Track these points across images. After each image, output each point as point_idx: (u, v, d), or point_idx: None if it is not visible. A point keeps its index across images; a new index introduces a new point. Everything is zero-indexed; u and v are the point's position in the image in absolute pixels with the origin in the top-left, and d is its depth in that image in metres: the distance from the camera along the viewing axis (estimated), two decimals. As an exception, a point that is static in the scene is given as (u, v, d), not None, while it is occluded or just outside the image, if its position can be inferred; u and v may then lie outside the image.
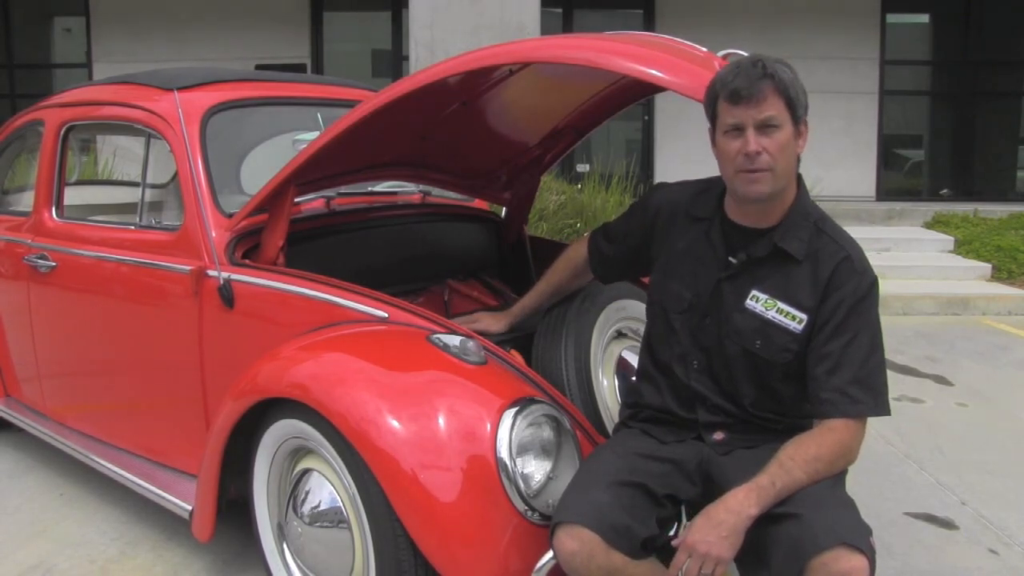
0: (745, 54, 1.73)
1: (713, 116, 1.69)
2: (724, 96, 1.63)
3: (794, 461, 1.60)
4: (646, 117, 10.51)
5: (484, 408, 1.80)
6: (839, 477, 1.69)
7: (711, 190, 1.85)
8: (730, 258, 1.77)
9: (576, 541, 1.58)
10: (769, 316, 1.72)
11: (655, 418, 1.87)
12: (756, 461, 1.65)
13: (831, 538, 1.47)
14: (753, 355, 1.74)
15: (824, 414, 1.67)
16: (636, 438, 1.85)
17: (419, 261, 2.83)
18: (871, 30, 10.47)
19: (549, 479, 1.82)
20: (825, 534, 1.48)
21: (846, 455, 1.66)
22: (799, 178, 1.77)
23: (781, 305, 1.71)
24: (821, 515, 1.52)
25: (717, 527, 1.55)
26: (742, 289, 1.75)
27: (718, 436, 1.80)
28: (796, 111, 1.65)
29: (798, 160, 1.73)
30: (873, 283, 1.71)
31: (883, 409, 1.68)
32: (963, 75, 10.99)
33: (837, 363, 1.66)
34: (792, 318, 1.71)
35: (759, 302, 1.73)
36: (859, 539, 1.49)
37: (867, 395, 1.65)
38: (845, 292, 1.68)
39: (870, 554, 1.48)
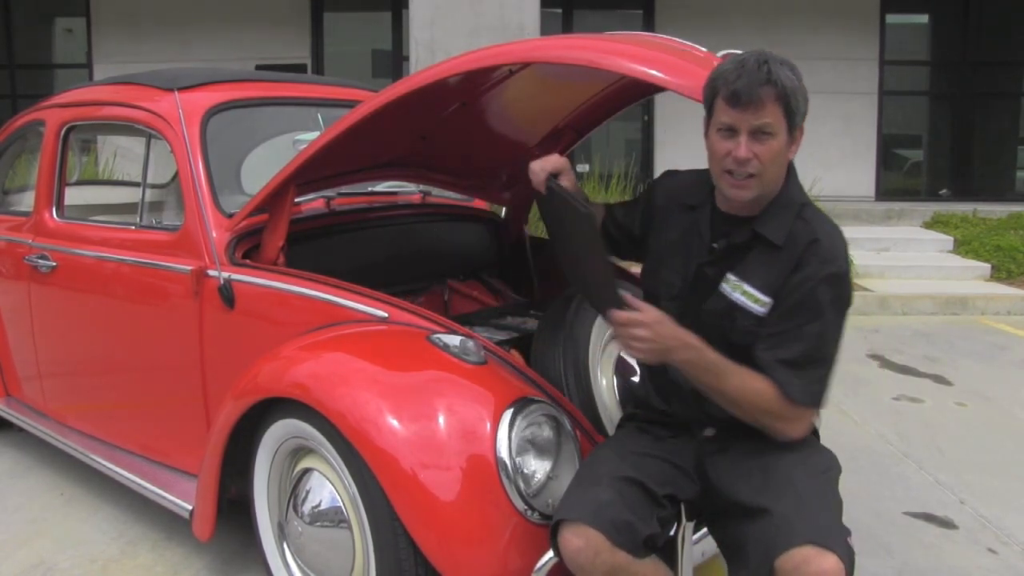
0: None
1: (709, 109, 1.66)
2: (724, 95, 1.60)
3: (736, 369, 1.62)
4: (646, 117, 10.51)
5: (484, 408, 1.81)
6: (829, 475, 1.67)
7: (705, 179, 1.83)
8: (713, 244, 1.77)
9: (581, 539, 1.59)
10: (735, 298, 1.71)
11: (652, 418, 1.88)
12: (750, 459, 1.66)
13: (799, 537, 1.46)
14: (727, 337, 1.73)
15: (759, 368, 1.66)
16: (634, 436, 1.85)
17: (419, 261, 2.83)
18: (870, 30, 10.47)
19: (549, 479, 1.83)
20: (795, 533, 1.47)
21: (766, 411, 1.64)
22: (789, 165, 1.73)
23: (747, 288, 1.70)
24: (795, 513, 1.51)
25: (670, 336, 1.60)
26: (720, 274, 1.75)
27: (709, 432, 1.80)
28: (794, 119, 1.61)
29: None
30: (834, 275, 1.64)
31: (806, 398, 1.63)
32: (962, 75, 10.98)
33: (779, 341, 1.65)
34: (755, 300, 1.69)
35: (728, 284, 1.73)
36: (831, 539, 1.46)
37: (795, 379, 1.63)
38: (805, 274, 1.65)
39: (845, 555, 1.46)
